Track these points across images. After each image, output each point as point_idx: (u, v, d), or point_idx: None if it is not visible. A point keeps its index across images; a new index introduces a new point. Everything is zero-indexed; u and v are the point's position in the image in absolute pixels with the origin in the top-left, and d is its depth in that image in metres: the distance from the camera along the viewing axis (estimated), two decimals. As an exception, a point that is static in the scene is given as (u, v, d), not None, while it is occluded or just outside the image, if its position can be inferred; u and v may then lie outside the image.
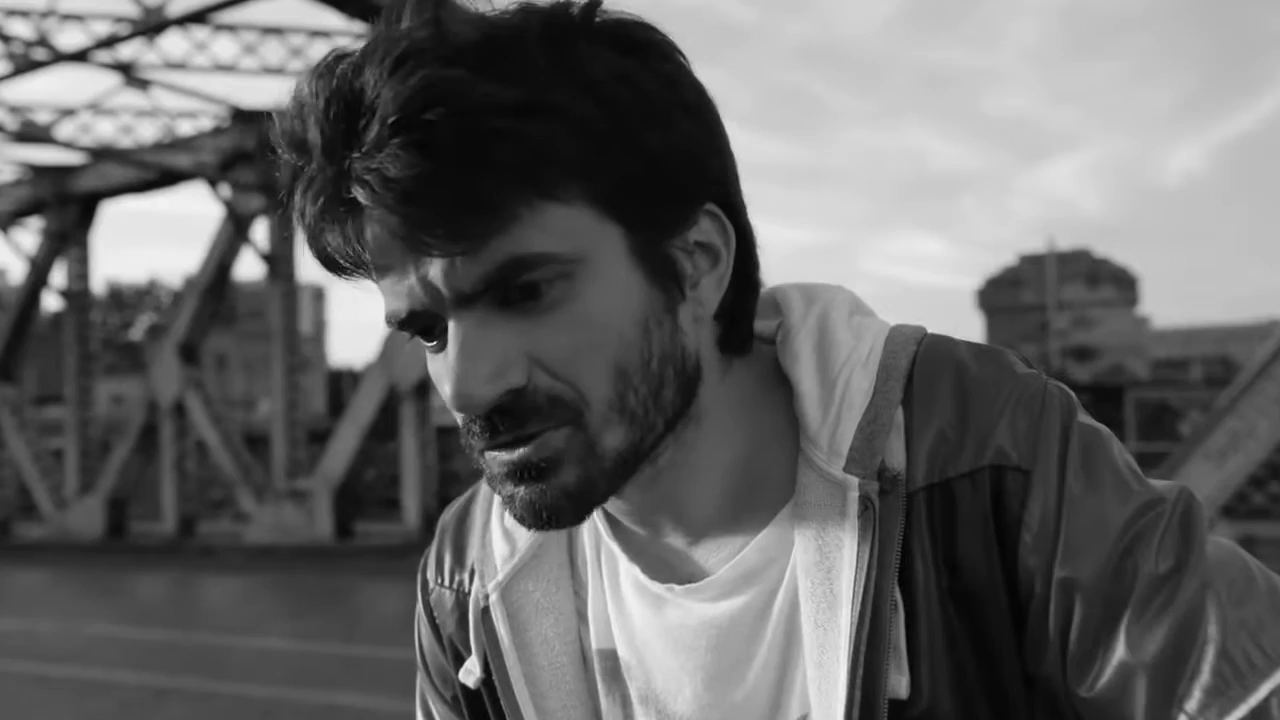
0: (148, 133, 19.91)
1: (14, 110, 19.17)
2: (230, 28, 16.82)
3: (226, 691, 7.86)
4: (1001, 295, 41.07)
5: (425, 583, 0.99)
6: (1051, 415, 0.80)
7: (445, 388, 0.76)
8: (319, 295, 67.13)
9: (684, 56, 0.80)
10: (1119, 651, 0.75)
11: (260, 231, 18.44)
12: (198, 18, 15.89)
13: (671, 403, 0.80)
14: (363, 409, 17.19)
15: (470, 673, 0.93)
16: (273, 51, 20.79)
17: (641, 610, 0.89)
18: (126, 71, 16.78)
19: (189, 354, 19.12)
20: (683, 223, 0.79)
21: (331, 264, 0.78)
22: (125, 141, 19.81)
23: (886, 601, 0.79)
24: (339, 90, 0.72)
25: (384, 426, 17.32)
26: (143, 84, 17.03)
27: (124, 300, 69.31)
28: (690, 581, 0.86)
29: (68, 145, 18.48)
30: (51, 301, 23.34)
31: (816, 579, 0.81)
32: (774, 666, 0.84)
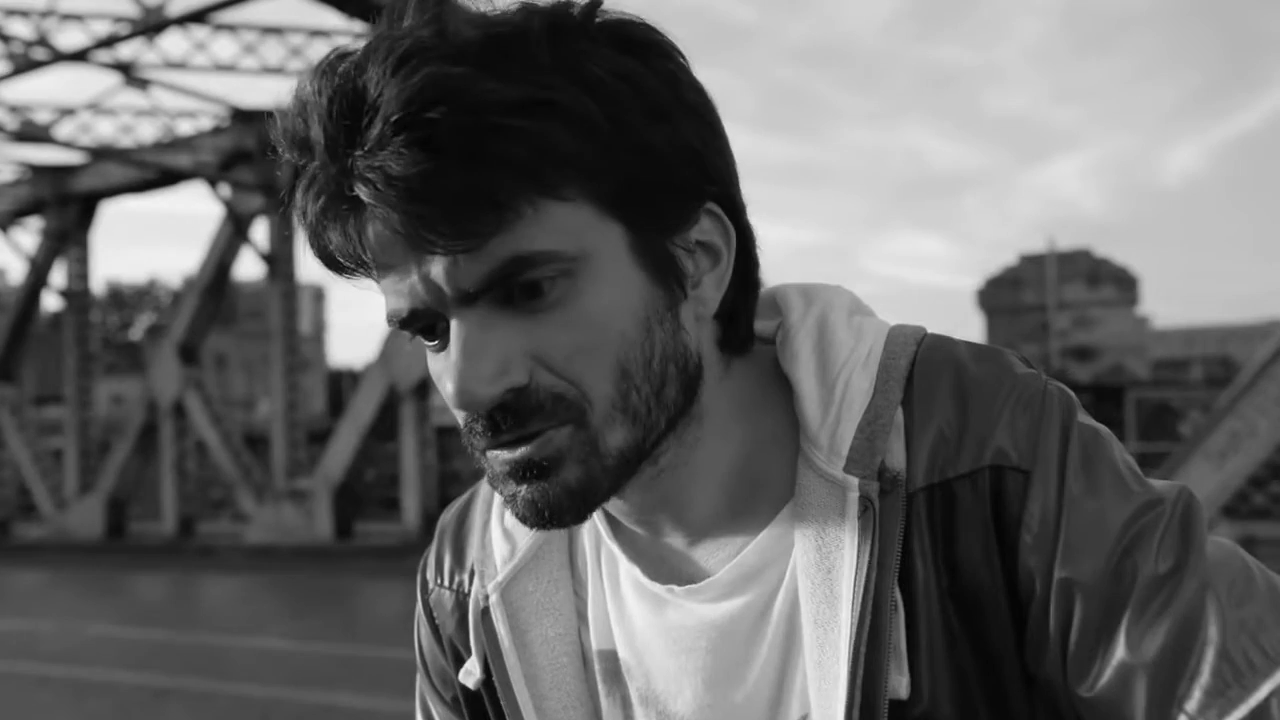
0: (147, 132, 19.94)
1: (14, 110, 19.18)
2: (230, 27, 16.83)
3: (226, 692, 7.86)
4: (1002, 295, 41.05)
5: (425, 583, 0.99)
6: (1051, 415, 0.80)
7: (447, 386, 0.76)
8: (319, 295, 67.12)
9: (684, 57, 0.80)
10: (1119, 652, 0.75)
11: (260, 231, 18.47)
12: (197, 17, 15.90)
13: (674, 401, 0.80)
14: (363, 409, 17.19)
15: (470, 674, 0.93)
16: (272, 51, 20.78)
17: (642, 611, 0.89)
18: (126, 71, 16.79)
19: (189, 354, 19.13)
20: (684, 221, 0.79)
21: (333, 263, 0.78)
22: (125, 141, 19.82)
23: (887, 602, 0.79)
24: (342, 88, 0.72)
25: (384, 426, 17.33)
26: (142, 84, 17.04)
27: (124, 300, 69.36)
28: (690, 582, 0.86)
29: (67, 145, 18.48)
30: (51, 301, 23.40)
31: (817, 579, 0.81)
32: (774, 667, 0.84)
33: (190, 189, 20.74)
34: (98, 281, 70.35)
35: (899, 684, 0.79)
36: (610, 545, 0.90)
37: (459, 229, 0.71)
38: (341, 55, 0.75)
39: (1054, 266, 39.31)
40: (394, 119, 0.70)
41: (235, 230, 18.40)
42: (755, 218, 0.84)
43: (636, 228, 0.77)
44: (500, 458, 0.78)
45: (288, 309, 18.57)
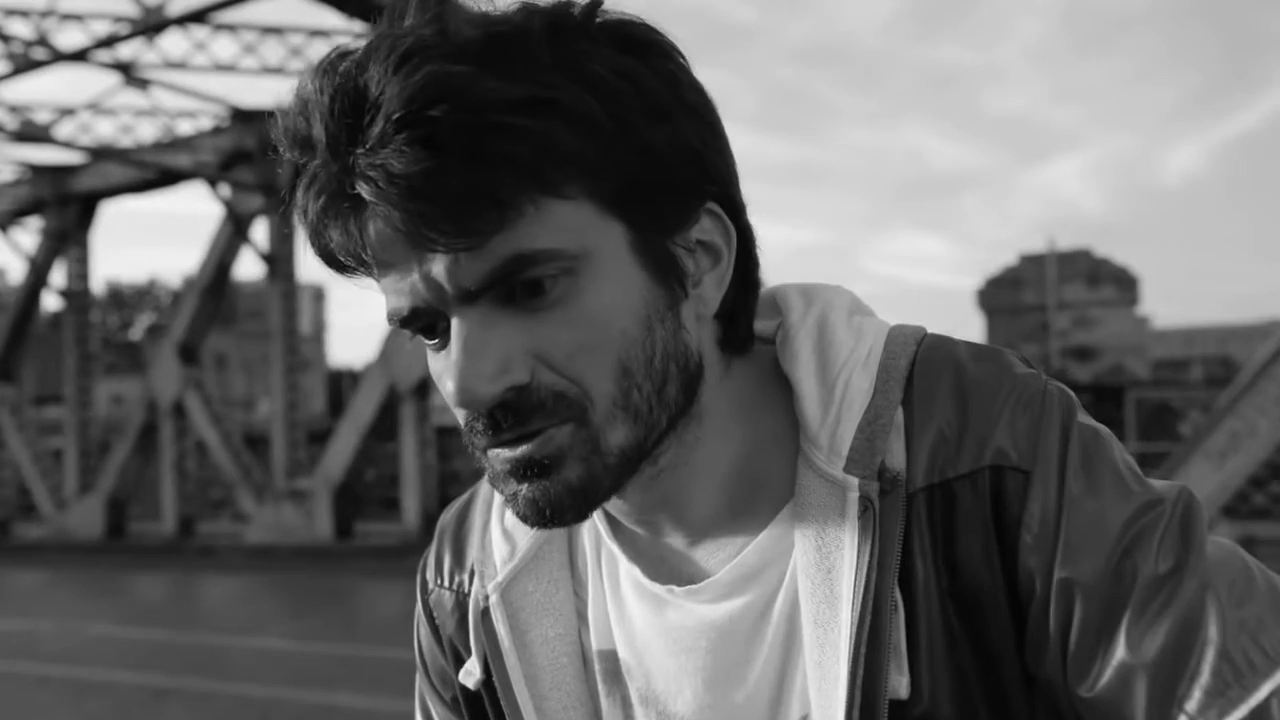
0: (147, 132, 19.95)
1: (14, 110, 19.18)
2: (230, 27, 16.83)
3: (226, 692, 7.86)
4: (1002, 295, 41.03)
5: (425, 584, 0.99)
6: (1051, 416, 0.80)
7: (448, 385, 0.76)
8: (319, 295, 67.12)
9: (684, 57, 0.80)
10: (1119, 652, 0.75)
11: (260, 231, 18.47)
12: (197, 17, 15.90)
13: (675, 400, 0.80)
14: (362, 409, 17.19)
15: (470, 674, 0.93)
16: (272, 51, 20.79)
17: (642, 611, 0.89)
18: (126, 71, 16.79)
19: (189, 354, 19.13)
20: (684, 220, 0.79)
21: (333, 261, 0.78)
22: (125, 141, 19.83)
23: (887, 602, 0.79)
24: (343, 87, 0.73)
25: (384, 426, 17.33)
26: (142, 84, 17.04)
27: (124, 300, 69.35)
28: (690, 582, 0.86)
29: (67, 145, 18.48)
30: (51, 301, 23.40)
31: (817, 579, 0.81)
32: (774, 667, 0.84)
33: (190, 189, 20.76)
34: (98, 281, 70.43)
35: (899, 684, 0.79)
36: (610, 545, 0.90)
37: (460, 227, 0.71)
38: (343, 54, 0.75)
39: (1054, 266, 39.30)
40: (396, 117, 0.70)
41: (235, 230, 18.40)
42: (755, 218, 0.85)
43: (637, 226, 0.77)
44: (501, 456, 0.77)
45: (288, 309, 18.58)
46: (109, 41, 16.08)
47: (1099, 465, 0.79)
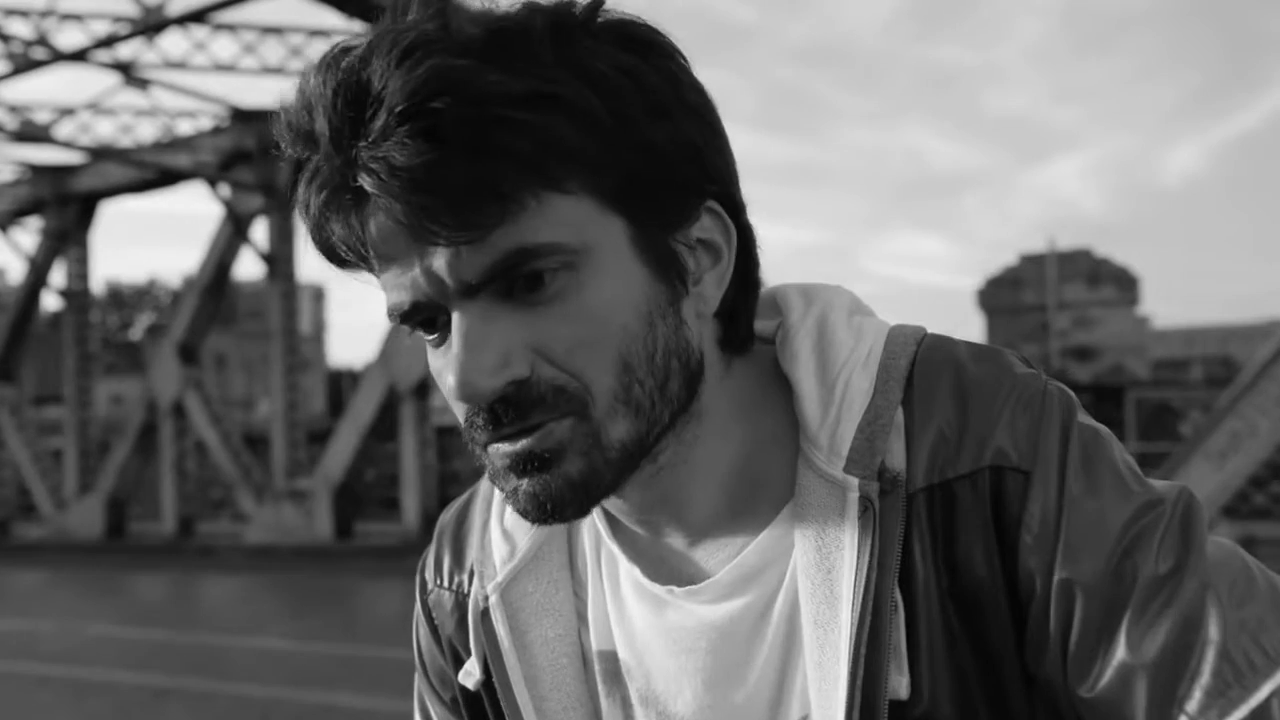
0: (147, 132, 19.96)
1: (13, 110, 19.18)
2: (230, 27, 16.83)
3: (226, 692, 7.86)
4: (1002, 295, 41.01)
5: (424, 584, 0.99)
6: (1051, 416, 0.80)
7: (448, 379, 0.76)
8: (319, 295, 67.13)
9: (685, 58, 0.81)
10: (1120, 652, 0.75)
11: (260, 231, 18.46)
12: (197, 17, 15.90)
13: (677, 395, 0.80)
14: (362, 409, 17.19)
15: (470, 674, 0.93)
16: (272, 51, 20.80)
17: (642, 612, 0.88)
18: (126, 71, 16.79)
19: (188, 354, 19.13)
20: (685, 218, 0.80)
21: (334, 256, 0.78)
22: (125, 141, 19.83)
23: (887, 602, 0.79)
24: (346, 81, 0.73)
25: (384, 426, 17.33)
26: (142, 83, 17.04)
27: (123, 300, 69.36)
28: (690, 583, 0.86)
29: (67, 145, 18.48)
30: (51, 301, 23.41)
31: (817, 580, 0.81)
32: (774, 668, 0.84)
33: (190, 189, 20.76)
34: (97, 281, 70.45)
35: (899, 684, 0.79)
36: (610, 546, 0.90)
37: (462, 220, 0.72)
38: (346, 49, 0.75)
39: (1054, 266, 39.29)
40: (398, 110, 0.71)
41: (235, 230, 18.40)
42: (755, 218, 0.85)
43: (638, 223, 0.77)
44: (501, 451, 0.77)
45: (287, 309, 18.58)
46: (109, 41, 16.08)
47: (1099, 465, 0.79)
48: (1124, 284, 39.93)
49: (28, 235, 21.95)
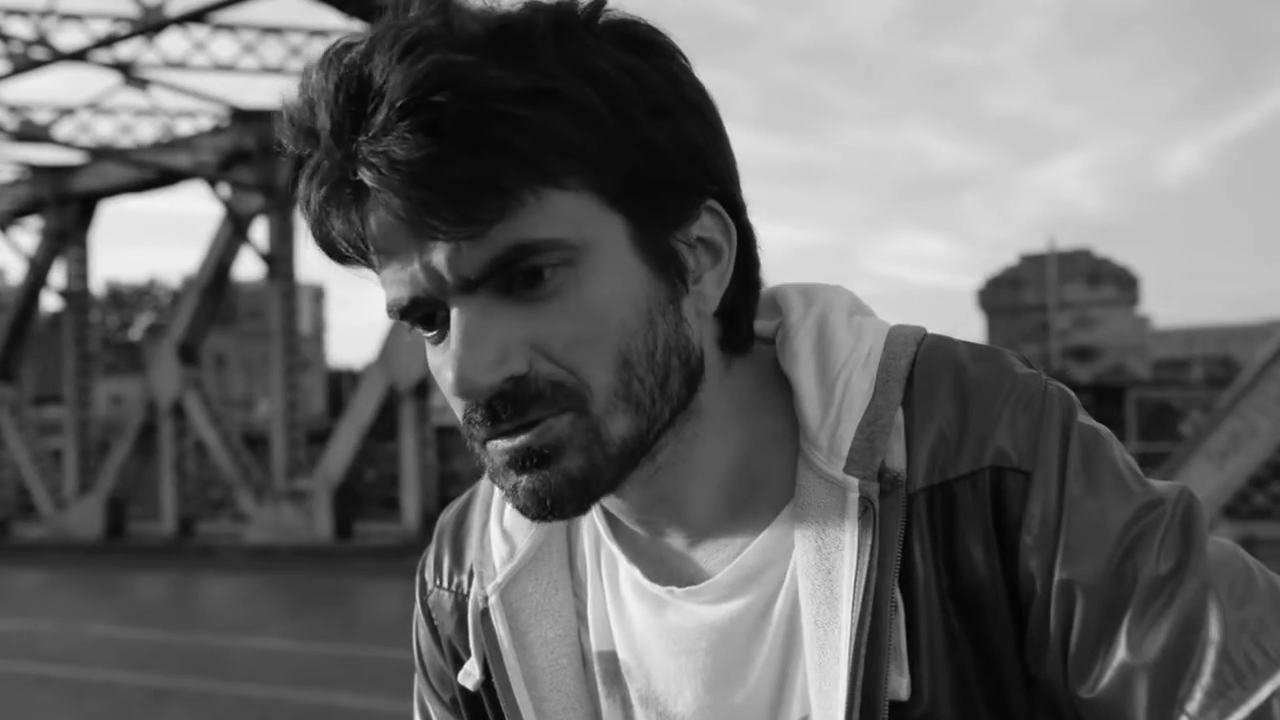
0: (147, 132, 19.95)
1: (13, 110, 19.18)
2: (229, 27, 16.83)
3: (226, 692, 7.86)
4: (1002, 295, 40.99)
5: (424, 584, 0.99)
6: (1052, 416, 0.80)
7: (446, 375, 0.76)
8: (318, 295, 67.12)
9: (686, 58, 0.81)
10: (1120, 653, 0.75)
11: (260, 231, 18.46)
12: (197, 17, 15.90)
13: (677, 393, 0.80)
14: (362, 409, 17.19)
15: (469, 675, 0.93)
16: (272, 51, 20.76)
17: (641, 612, 0.88)
18: (125, 71, 16.79)
19: (188, 354, 19.13)
20: (685, 217, 0.80)
21: (334, 251, 0.78)
22: (124, 141, 19.82)
23: (887, 603, 0.78)
24: (348, 76, 0.73)
25: (384, 426, 17.33)
26: (142, 83, 17.04)
27: (123, 300, 69.35)
28: (690, 583, 0.86)
29: (67, 145, 18.48)
30: (50, 301, 23.40)
31: (817, 580, 0.81)
32: (774, 668, 0.84)
33: (190, 189, 20.76)
34: (97, 281, 70.37)
35: (899, 685, 0.79)
36: (610, 546, 0.90)
37: (461, 215, 0.72)
38: (348, 45, 0.75)
39: (1054, 266, 39.29)
40: (399, 104, 0.71)
41: (235, 230, 18.40)
42: (756, 217, 0.85)
43: (638, 220, 0.77)
44: (500, 447, 0.77)
45: (287, 309, 18.57)
46: (108, 41, 16.07)
47: (1099, 466, 0.79)
48: (1124, 284, 39.92)
49: (27, 235, 21.94)
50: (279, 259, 18.28)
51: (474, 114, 0.71)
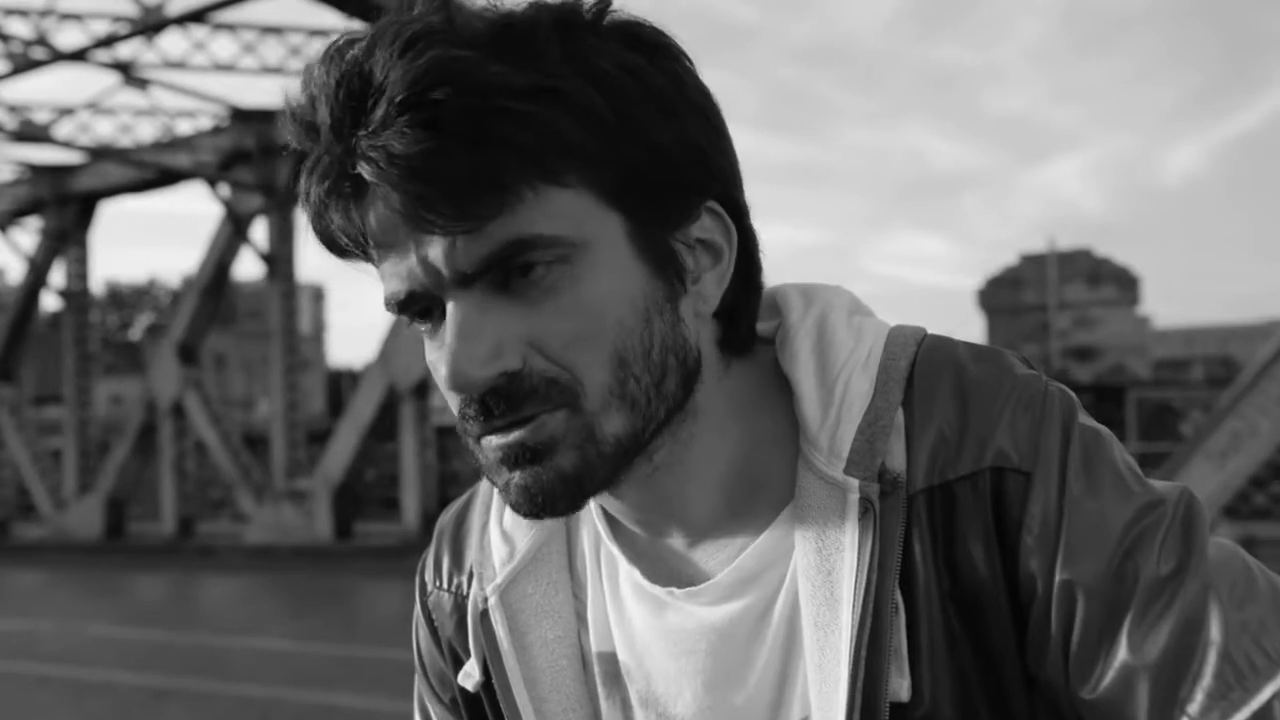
0: (147, 132, 19.96)
1: (13, 109, 19.18)
2: (229, 27, 16.84)
3: (226, 692, 7.86)
4: (1002, 295, 40.98)
5: (423, 585, 0.99)
6: (1052, 417, 0.80)
7: (441, 369, 0.76)
8: (318, 295, 67.13)
9: (690, 60, 0.81)
10: (1121, 654, 0.75)
11: (260, 231, 18.46)
12: (196, 17, 15.90)
13: (674, 393, 0.80)
14: (362, 409, 17.19)
15: (469, 676, 0.93)
16: (272, 51, 20.75)
17: (641, 613, 0.88)
18: (125, 71, 16.79)
19: (188, 354, 19.13)
20: (684, 217, 0.79)
21: (334, 245, 0.78)
22: (124, 141, 19.83)
23: (887, 604, 0.78)
24: (349, 71, 0.73)
25: (383, 426, 17.33)
26: (141, 83, 17.04)
27: (123, 300, 69.34)
28: (690, 584, 0.86)
29: (66, 145, 18.49)
30: (50, 301, 23.40)
31: (817, 581, 0.81)
32: (775, 669, 0.84)
33: (190, 189, 20.74)
34: (97, 281, 70.28)
35: (900, 686, 0.79)
36: (610, 547, 0.90)
37: (459, 210, 0.72)
38: (350, 41, 0.76)
39: (1054, 266, 39.28)
40: (399, 99, 0.71)
41: (235, 230, 18.39)
42: (756, 217, 0.85)
43: (637, 219, 0.77)
44: (493, 443, 0.77)
45: (287, 309, 18.57)
46: (108, 41, 16.08)
47: (1100, 466, 0.79)
48: (1124, 284, 39.92)
49: (27, 235, 21.95)
50: (279, 259, 18.27)
51: (474, 109, 0.71)
